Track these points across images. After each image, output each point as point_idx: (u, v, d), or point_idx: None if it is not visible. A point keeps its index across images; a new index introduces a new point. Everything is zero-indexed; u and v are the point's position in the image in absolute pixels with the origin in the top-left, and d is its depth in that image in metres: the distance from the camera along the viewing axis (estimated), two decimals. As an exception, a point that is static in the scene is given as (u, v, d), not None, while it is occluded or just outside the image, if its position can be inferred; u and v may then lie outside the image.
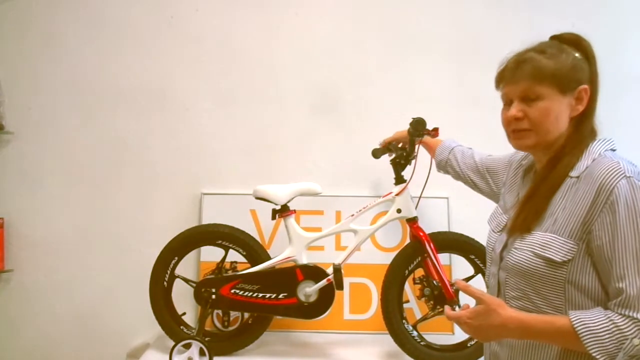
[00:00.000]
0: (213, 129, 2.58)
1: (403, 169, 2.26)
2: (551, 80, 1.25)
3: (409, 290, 2.45)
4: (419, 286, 2.26)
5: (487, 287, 1.44)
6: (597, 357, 1.11)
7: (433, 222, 2.45)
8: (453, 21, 2.60)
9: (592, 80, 1.29)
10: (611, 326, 1.12)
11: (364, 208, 2.26)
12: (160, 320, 2.25)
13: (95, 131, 2.57)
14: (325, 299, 2.18)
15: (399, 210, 2.22)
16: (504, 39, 2.58)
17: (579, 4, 2.61)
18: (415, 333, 2.22)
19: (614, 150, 1.28)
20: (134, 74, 2.57)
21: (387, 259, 2.30)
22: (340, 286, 2.13)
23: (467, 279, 2.24)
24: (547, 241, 1.22)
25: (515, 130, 1.30)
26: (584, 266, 1.19)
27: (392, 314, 2.21)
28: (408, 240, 2.34)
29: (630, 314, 1.11)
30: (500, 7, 2.59)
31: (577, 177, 1.23)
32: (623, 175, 1.16)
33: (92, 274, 2.55)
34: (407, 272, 2.25)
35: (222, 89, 2.59)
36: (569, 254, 1.19)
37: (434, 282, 2.20)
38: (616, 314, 1.13)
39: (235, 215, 2.46)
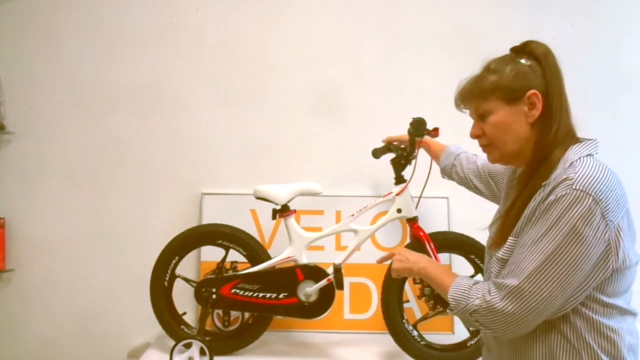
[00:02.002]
0: (213, 129, 2.58)
1: (403, 169, 2.26)
2: (494, 93, 1.28)
3: (409, 290, 2.45)
4: (419, 286, 2.26)
5: None
6: (450, 305, 1.28)
7: (433, 222, 2.45)
8: (453, 21, 2.60)
9: (549, 83, 1.28)
10: (472, 284, 1.26)
11: (364, 208, 2.26)
12: (161, 320, 2.25)
13: (95, 131, 2.57)
14: (326, 298, 2.18)
15: (399, 210, 2.22)
16: (504, 39, 2.59)
17: (579, 4, 2.61)
18: (415, 333, 2.23)
19: (592, 154, 1.27)
20: (134, 74, 2.57)
21: (387, 259, 2.30)
22: (340, 286, 2.13)
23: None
24: (507, 245, 1.28)
25: (481, 147, 1.36)
26: None
27: (392, 314, 2.21)
28: (408, 240, 2.34)
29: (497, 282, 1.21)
30: (501, 7, 2.60)
31: (545, 184, 1.25)
32: (572, 188, 1.16)
33: (92, 273, 2.55)
34: (407, 272, 2.25)
35: (222, 89, 2.59)
36: (508, 252, 1.27)
37: (434, 282, 2.20)
38: (487, 283, 1.24)
39: (236, 215, 2.46)
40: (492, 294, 1.22)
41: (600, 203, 1.14)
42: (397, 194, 2.23)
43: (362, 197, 2.48)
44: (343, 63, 2.59)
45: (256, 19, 2.59)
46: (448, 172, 2.02)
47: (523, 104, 1.27)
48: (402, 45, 2.61)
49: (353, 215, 2.25)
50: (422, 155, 2.22)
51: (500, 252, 1.28)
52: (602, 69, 2.61)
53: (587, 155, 1.25)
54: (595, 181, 1.17)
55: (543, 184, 1.24)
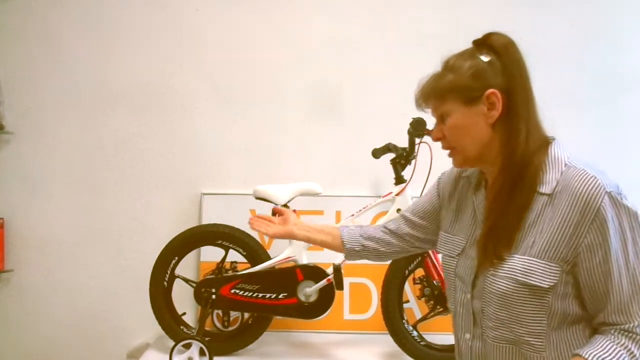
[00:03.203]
0: (213, 129, 2.58)
1: (403, 169, 2.26)
2: (451, 93, 1.18)
3: (409, 290, 2.45)
4: (419, 286, 2.26)
5: (454, 315, 1.29)
6: None
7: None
8: (453, 21, 2.60)
9: (510, 80, 1.15)
10: (622, 350, 1.09)
11: (364, 208, 2.26)
12: (161, 320, 2.25)
13: (95, 131, 2.57)
14: (325, 299, 2.18)
15: (399, 210, 2.22)
16: (504, 39, 2.61)
17: (579, 4, 2.61)
18: (415, 333, 2.22)
19: (570, 154, 1.18)
20: (133, 74, 2.57)
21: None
22: (340, 286, 2.12)
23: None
24: (529, 266, 1.12)
25: (444, 150, 1.25)
26: (566, 289, 1.12)
27: (392, 314, 2.21)
28: (408, 240, 2.33)
29: (638, 332, 1.09)
30: (501, 7, 2.59)
31: (550, 194, 1.13)
32: (604, 191, 1.08)
33: (92, 274, 2.55)
34: (407, 272, 2.25)
35: (222, 89, 2.59)
36: (554, 279, 1.11)
37: (434, 282, 2.20)
38: (622, 337, 1.10)
39: (235, 215, 2.45)
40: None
41: (626, 196, 1.12)
42: (397, 194, 2.23)
43: (362, 197, 2.48)
44: (343, 63, 2.59)
45: (256, 19, 2.59)
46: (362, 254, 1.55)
47: (482, 104, 1.15)
48: (402, 45, 2.61)
49: (353, 215, 2.25)
50: (422, 155, 2.22)
51: (521, 275, 1.12)
52: (602, 69, 2.61)
53: (569, 155, 1.17)
54: (610, 178, 1.13)
55: (542, 191, 1.14)
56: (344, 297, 2.50)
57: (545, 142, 1.18)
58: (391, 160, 2.27)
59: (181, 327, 2.27)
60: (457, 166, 1.28)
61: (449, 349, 2.24)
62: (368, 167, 2.45)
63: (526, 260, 1.13)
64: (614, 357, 1.08)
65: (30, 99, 2.56)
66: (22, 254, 2.54)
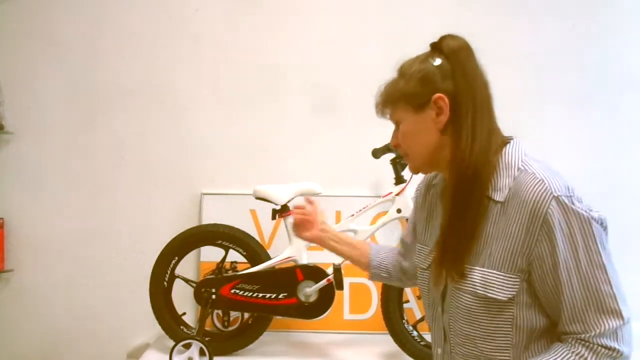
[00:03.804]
0: (213, 129, 2.58)
1: (403, 169, 2.26)
2: (401, 100, 1.17)
3: (409, 290, 2.45)
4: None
5: (431, 332, 1.25)
6: None
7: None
8: (453, 21, 2.60)
9: (457, 82, 1.12)
10: (578, 359, 1.05)
11: (364, 208, 2.26)
12: (161, 320, 2.25)
13: (95, 131, 2.57)
14: (325, 299, 2.18)
15: (399, 210, 2.22)
16: (505, 40, 2.61)
17: (579, 4, 2.61)
18: (415, 333, 2.22)
19: (527, 154, 1.13)
20: (133, 74, 2.57)
21: (387, 259, 2.30)
22: (340, 286, 2.12)
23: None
24: (487, 278, 1.09)
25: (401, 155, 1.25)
26: (529, 299, 1.09)
27: (392, 314, 2.21)
28: (408, 240, 2.33)
29: (594, 341, 1.05)
30: (501, 7, 2.59)
31: (503, 202, 1.09)
32: (551, 196, 1.04)
33: (92, 273, 2.55)
34: (407, 272, 2.25)
35: (222, 89, 2.59)
36: (512, 290, 1.07)
37: (434, 282, 2.19)
38: (579, 346, 1.05)
39: (235, 215, 2.46)
40: (605, 345, 1.04)
41: (581, 201, 1.07)
42: (397, 194, 2.23)
43: (362, 197, 2.48)
44: (343, 63, 2.59)
45: (256, 19, 2.59)
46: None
47: (430, 110, 1.13)
48: (402, 44, 2.59)
49: (353, 215, 2.25)
50: (422, 155, 2.22)
51: (480, 289, 1.09)
52: (602, 69, 2.61)
53: (525, 157, 1.12)
54: (561, 180, 1.07)
55: (491, 196, 1.10)
56: (344, 297, 2.50)
57: (500, 145, 1.13)
58: (391, 160, 2.28)
59: (181, 327, 2.27)
60: (412, 172, 1.26)
61: (449, 349, 2.24)
62: (368, 167, 2.45)
63: (485, 273, 1.10)
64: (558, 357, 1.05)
65: (30, 99, 2.56)
66: (22, 254, 2.54)
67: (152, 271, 2.26)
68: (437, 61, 1.15)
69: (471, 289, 1.11)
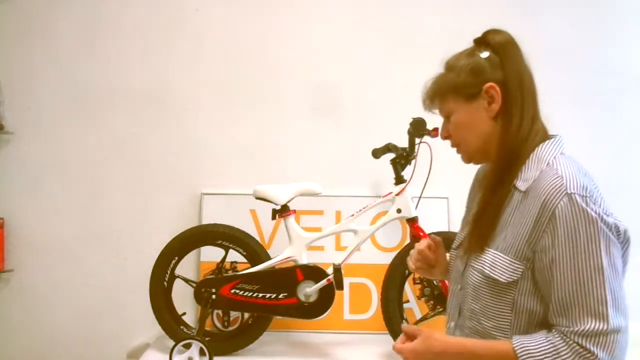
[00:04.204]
0: (213, 129, 2.58)
1: (403, 169, 2.26)
2: (452, 92, 1.22)
3: (409, 290, 2.45)
4: (419, 286, 2.26)
5: (448, 307, 1.33)
6: None
7: (433, 222, 2.45)
8: (453, 21, 2.60)
9: (507, 74, 1.19)
10: (551, 349, 1.07)
11: (364, 208, 2.26)
12: (161, 320, 2.25)
13: (95, 131, 2.57)
14: (325, 299, 2.18)
15: (399, 210, 2.22)
16: (504, 39, 2.61)
17: (579, 4, 2.61)
18: (415, 333, 2.22)
19: (563, 153, 1.18)
20: (133, 74, 2.57)
21: (387, 259, 2.31)
22: (340, 286, 2.13)
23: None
24: (495, 260, 1.15)
25: (452, 147, 1.29)
26: (530, 288, 1.12)
27: (392, 314, 2.21)
28: (408, 240, 2.34)
29: (573, 338, 1.06)
30: (501, 7, 2.59)
31: (525, 191, 1.14)
32: (565, 192, 1.07)
33: (92, 274, 2.55)
34: (407, 272, 2.26)
35: (222, 89, 2.59)
36: (514, 275, 1.12)
37: (434, 282, 2.20)
38: (557, 337, 1.08)
39: (235, 215, 2.46)
40: (588, 347, 1.05)
41: (597, 203, 1.08)
42: (397, 194, 2.23)
43: (362, 197, 2.47)
44: (343, 63, 2.59)
45: (256, 19, 2.59)
46: None
47: (482, 99, 1.19)
48: (402, 45, 2.61)
49: (353, 215, 2.25)
50: (422, 155, 2.22)
51: (487, 268, 1.15)
52: (602, 69, 2.61)
53: (560, 154, 1.17)
54: (582, 180, 1.10)
55: (516, 185, 1.16)
56: (344, 297, 2.50)
57: (540, 139, 1.19)
58: (391, 160, 2.27)
59: (181, 327, 2.27)
60: (464, 162, 1.30)
61: (449, 349, 2.24)
62: (368, 167, 2.45)
63: (496, 255, 1.16)
64: (538, 348, 1.08)
65: (31, 99, 2.56)
66: (22, 254, 2.54)
67: (152, 271, 2.26)
68: (485, 54, 1.22)
69: (480, 268, 1.17)
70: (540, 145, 1.18)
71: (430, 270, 1.43)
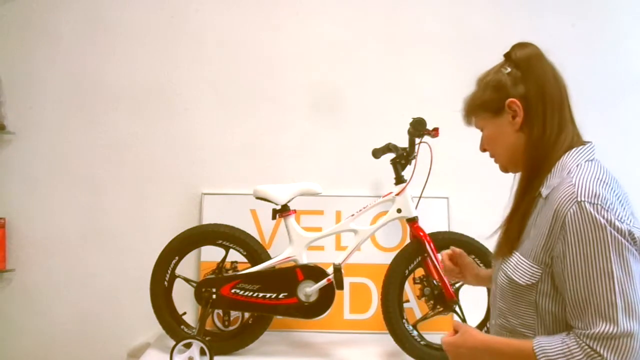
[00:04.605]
0: (213, 129, 2.58)
1: (403, 169, 2.26)
2: (480, 108, 1.30)
3: (409, 290, 2.45)
4: (419, 286, 2.26)
5: (490, 307, 1.43)
6: None
7: (433, 222, 2.45)
8: (453, 21, 2.60)
9: (528, 88, 1.24)
10: (565, 351, 1.11)
11: (364, 208, 2.26)
12: (161, 320, 2.25)
13: (95, 131, 2.57)
14: (326, 298, 2.18)
15: (399, 210, 2.22)
16: (504, 39, 2.59)
17: (579, 4, 2.61)
18: (415, 333, 2.23)
19: (590, 160, 1.21)
20: (134, 74, 2.57)
21: (387, 259, 2.31)
22: (340, 286, 2.13)
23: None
24: (518, 263, 1.22)
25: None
26: (550, 291, 1.17)
27: (392, 313, 2.21)
28: (408, 240, 2.34)
29: (585, 341, 1.09)
30: (501, 7, 2.60)
31: (545, 198, 1.20)
32: (575, 200, 1.11)
33: (92, 273, 2.56)
34: (407, 272, 2.26)
35: (222, 89, 2.59)
36: (532, 278, 1.18)
37: (434, 281, 2.20)
38: (572, 339, 1.12)
39: (235, 215, 2.46)
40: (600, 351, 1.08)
41: (610, 210, 1.10)
42: (397, 194, 2.23)
43: (362, 197, 2.48)
44: (343, 63, 2.59)
45: (256, 19, 2.59)
46: None
47: (507, 114, 1.26)
48: (402, 45, 2.61)
49: (353, 215, 2.25)
50: (422, 155, 2.22)
51: (510, 270, 1.22)
52: (602, 69, 2.61)
53: (585, 161, 1.20)
54: (595, 188, 1.12)
55: (541, 191, 1.21)
56: (344, 297, 2.50)
57: (567, 146, 1.23)
58: (391, 160, 2.28)
59: (182, 326, 2.28)
60: (501, 171, 1.36)
61: (449, 348, 2.24)
62: (368, 167, 2.45)
63: (519, 259, 1.22)
64: (554, 349, 1.12)
65: (31, 99, 2.57)
66: (23, 253, 2.55)
67: (153, 271, 2.26)
68: (508, 69, 1.28)
69: (505, 270, 1.24)
70: (567, 153, 1.22)
71: (461, 277, 1.53)
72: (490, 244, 1.98)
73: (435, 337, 2.27)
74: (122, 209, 2.57)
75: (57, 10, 2.57)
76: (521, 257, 1.21)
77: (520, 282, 1.19)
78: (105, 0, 2.58)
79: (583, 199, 1.11)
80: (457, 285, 2.25)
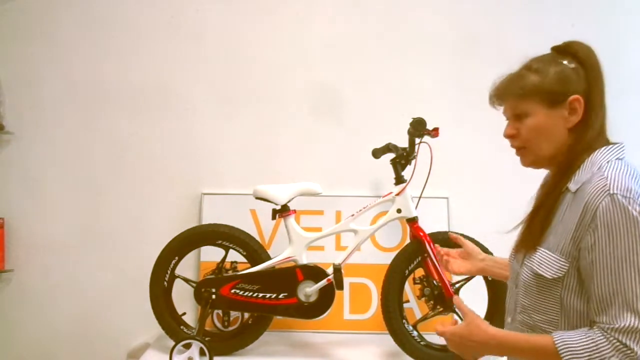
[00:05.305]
0: (213, 129, 2.58)
1: (403, 169, 2.26)
2: (535, 95, 1.23)
3: (409, 290, 2.45)
4: (419, 286, 2.26)
5: (507, 303, 1.38)
6: None
7: (433, 222, 2.45)
8: (453, 21, 2.60)
9: (591, 88, 1.23)
10: (591, 345, 1.10)
11: (364, 208, 2.26)
12: (161, 320, 2.25)
13: (95, 131, 2.57)
14: (325, 299, 2.18)
15: (399, 210, 2.22)
16: (504, 39, 2.61)
17: (579, 4, 2.61)
18: (415, 333, 2.23)
19: (620, 158, 1.21)
20: (134, 74, 2.57)
21: (387, 259, 2.31)
22: (340, 286, 2.13)
23: (467, 279, 2.25)
24: (543, 258, 1.20)
25: (514, 148, 1.30)
26: (576, 287, 1.17)
27: (392, 314, 2.21)
28: (408, 240, 2.34)
29: (613, 335, 1.09)
30: (500, 7, 2.59)
31: (574, 192, 1.19)
32: (607, 193, 1.12)
33: (92, 274, 2.55)
34: (407, 272, 2.26)
35: (222, 89, 2.59)
36: (559, 272, 1.17)
37: (434, 282, 2.20)
38: (598, 333, 1.11)
39: (235, 215, 2.46)
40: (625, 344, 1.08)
41: (635, 198, 1.11)
42: (397, 194, 2.23)
43: (362, 197, 2.48)
44: (343, 63, 2.59)
45: (256, 19, 2.59)
46: None
47: (563, 109, 1.22)
48: (402, 45, 2.61)
49: (353, 215, 2.25)
50: (422, 155, 2.22)
51: (535, 265, 1.21)
52: (603, 70, 2.60)
53: (616, 159, 1.21)
54: (628, 182, 1.13)
55: (568, 187, 1.21)
56: (344, 297, 2.50)
57: (598, 145, 1.23)
58: (391, 160, 2.27)
59: (181, 327, 2.27)
60: (525, 165, 1.31)
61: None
62: (368, 167, 2.45)
63: (544, 253, 1.21)
64: (578, 343, 1.10)
65: (31, 99, 2.56)
66: (22, 253, 2.54)
67: (152, 271, 2.26)
68: (572, 64, 1.24)
69: (530, 266, 1.23)
70: (596, 151, 1.22)
71: (464, 266, 1.52)
72: (491, 244, 2.01)
73: (435, 337, 2.26)
74: (121, 209, 2.56)
75: (56, 10, 2.57)
76: (547, 251, 1.20)
77: (547, 275, 1.18)
78: (105, 0, 2.58)
79: (616, 192, 1.11)
80: (457, 285, 2.25)
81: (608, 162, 1.19)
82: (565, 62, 1.24)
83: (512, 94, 1.26)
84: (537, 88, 1.23)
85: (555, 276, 1.17)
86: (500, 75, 1.30)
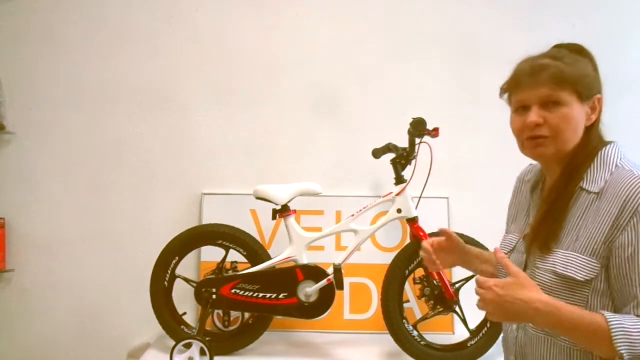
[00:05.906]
0: (213, 129, 2.58)
1: (403, 169, 2.26)
2: (573, 86, 1.22)
3: (409, 290, 2.45)
4: (419, 286, 2.26)
5: None
6: (624, 355, 1.07)
7: (433, 222, 2.45)
8: (453, 21, 2.60)
9: (600, 89, 1.28)
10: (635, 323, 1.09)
11: (364, 208, 2.26)
12: (161, 320, 2.25)
13: (95, 131, 2.57)
14: (326, 298, 2.18)
15: (399, 210, 2.22)
16: (504, 39, 2.61)
17: (579, 4, 2.61)
18: (415, 333, 2.23)
19: (625, 156, 1.25)
20: (134, 74, 2.57)
21: (387, 259, 2.31)
22: (340, 286, 2.13)
23: (467, 279, 2.25)
24: (569, 260, 1.18)
25: (531, 137, 1.23)
26: (604, 288, 1.16)
27: (392, 314, 2.21)
28: (408, 240, 2.34)
29: None
30: (500, 7, 2.60)
31: (598, 193, 1.19)
32: None
33: (92, 273, 2.55)
34: (407, 272, 2.26)
35: (222, 89, 2.59)
36: (591, 273, 1.16)
37: (434, 282, 2.20)
38: None
39: (235, 215, 2.46)
40: None
41: None
42: (397, 194, 2.23)
43: (362, 197, 2.48)
44: (343, 63, 2.59)
45: (256, 19, 2.59)
46: None
47: (588, 106, 1.24)
48: (402, 45, 2.61)
49: (353, 215, 2.25)
50: (422, 155, 2.22)
51: (560, 268, 1.18)
52: (602, 69, 2.59)
53: (624, 158, 1.23)
54: None
55: (583, 186, 1.21)
56: (344, 297, 2.50)
57: (599, 145, 1.25)
58: (391, 160, 2.28)
59: (181, 326, 2.27)
60: (540, 156, 1.27)
61: (449, 348, 2.24)
62: (368, 167, 2.45)
63: (568, 255, 1.19)
64: (634, 326, 1.08)
65: (31, 99, 2.56)
66: (23, 253, 2.54)
67: (152, 271, 2.26)
68: (590, 65, 1.29)
69: (551, 268, 1.20)
70: (603, 149, 1.24)
71: (449, 260, 1.45)
72: (491, 244, 2.00)
73: (435, 337, 2.27)
74: (122, 208, 2.56)
75: (57, 10, 2.57)
76: (572, 253, 1.18)
77: (579, 277, 1.16)
78: (105, 0, 2.58)
79: None
80: (457, 285, 2.25)
81: (621, 160, 1.22)
82: (587, 62, 1.28)
83: (550, 81, 1.21)
84: (575, 80, 1.22)
85: (587, 278, 1.16)
86: (534, 55, 1.27)
